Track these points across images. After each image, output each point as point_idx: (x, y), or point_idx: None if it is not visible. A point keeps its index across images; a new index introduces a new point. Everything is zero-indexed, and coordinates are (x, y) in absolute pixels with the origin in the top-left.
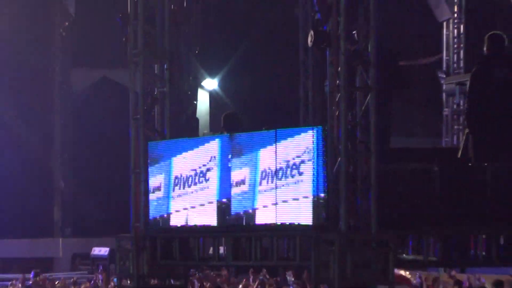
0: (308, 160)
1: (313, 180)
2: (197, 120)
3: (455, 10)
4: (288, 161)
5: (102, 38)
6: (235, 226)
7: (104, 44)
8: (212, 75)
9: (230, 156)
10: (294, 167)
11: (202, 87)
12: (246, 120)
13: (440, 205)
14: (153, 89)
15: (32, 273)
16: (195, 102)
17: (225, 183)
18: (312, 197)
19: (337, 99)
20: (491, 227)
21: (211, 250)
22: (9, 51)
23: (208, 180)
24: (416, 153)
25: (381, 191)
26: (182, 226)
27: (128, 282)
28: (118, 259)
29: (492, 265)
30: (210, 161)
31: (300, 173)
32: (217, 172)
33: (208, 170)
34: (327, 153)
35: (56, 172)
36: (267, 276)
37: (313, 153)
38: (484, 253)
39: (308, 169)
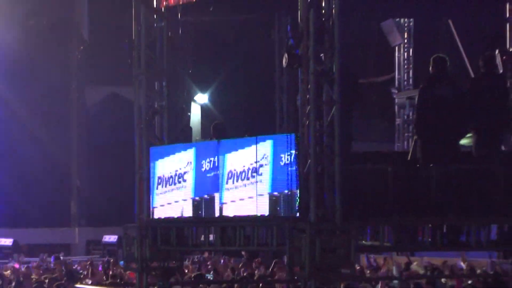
0: (265, 164)
1: (270, 180)
2: (190, 128)
3: (405, 36)
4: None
5: (111, 60)
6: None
7: (113, 65)
8: (203, 90)
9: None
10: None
11: (194, 101)
12: (231, 129)
13: (394, 199)
14: (153, 103)
15: (52, 257)
16: (189, 114)
17: (199, 184)
18: (268, 194)
19: (307, 111)
20: (436, 217)
21: (202, 237)
22: (34, 70)
23: (185, 181)
24: (373, 156)
25: (344, 188)
26: (178, 218)
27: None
28: (125, 245)
29: (437, 249)
30: (186, 165)
31: (260, 174)
32: (192, 174)
33: (185, 173)
34: (299, 155)
35: (73, 173)
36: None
37: (270, 158)
38: (430, 239)
39: (266, 171)
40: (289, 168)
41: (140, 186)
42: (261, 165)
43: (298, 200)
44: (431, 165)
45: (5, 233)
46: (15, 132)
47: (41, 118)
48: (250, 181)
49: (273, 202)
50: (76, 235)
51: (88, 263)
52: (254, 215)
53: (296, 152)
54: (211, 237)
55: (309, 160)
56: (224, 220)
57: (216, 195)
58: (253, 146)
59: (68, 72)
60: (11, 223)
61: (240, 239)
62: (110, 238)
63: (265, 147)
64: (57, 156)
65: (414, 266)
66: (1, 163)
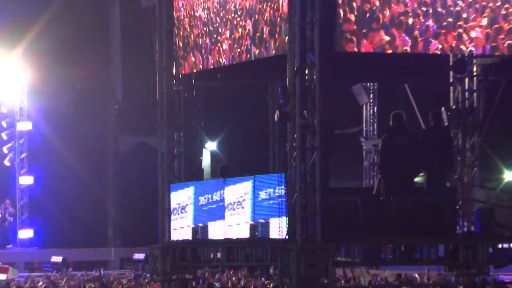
0: (248, 199)
1: (251, 211)
2: (202, 169)
3: (371, 97)
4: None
5: (140, 115)
6: (225, 239)
7: (142, 119)
8: (212, 139)
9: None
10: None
11: (205, 148)
12: (235, 170)
13: (362, 225)
14: (173, 149)
15: (94, 271)
16: (201, 158)
17: (197, 215)
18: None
19: (294, 156)
20: (396, 239)
21: (211, 255)
22: (79, 122)
23: (186, 211)
24: (346, 191)
25: (323, 216)
26: (192, 240)
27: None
28: (151, 261)
29: (396, 264)
30: (188, 199)
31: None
32: (192, 207)
33: (186, 205)
34: (288, 190)
35: (109, 204)
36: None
37: (250, 193)
38: (390, 256)
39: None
40: (264, 203)
41: (162, 214)
42: (244, 200)
43: (287, 225)
44: (392, 198)
45: (56, 252)
46: (62, 171)
47: (83, 161)
48: (236, 211)
49: (252, 228)
50: (112, 253)
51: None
52: (253, 237)
53: (285, 188)
54: (219, 255)
55: (296, 194)
56: (229, 241)
57: (210, 224)
58: (237, 184)
59: (105, 125)
60: (61, 244)
61: (242, 256)
62: (139, 255)
63: (246, 186)
64: (96, 191)
65: (386, 273)
66: (51, 196)
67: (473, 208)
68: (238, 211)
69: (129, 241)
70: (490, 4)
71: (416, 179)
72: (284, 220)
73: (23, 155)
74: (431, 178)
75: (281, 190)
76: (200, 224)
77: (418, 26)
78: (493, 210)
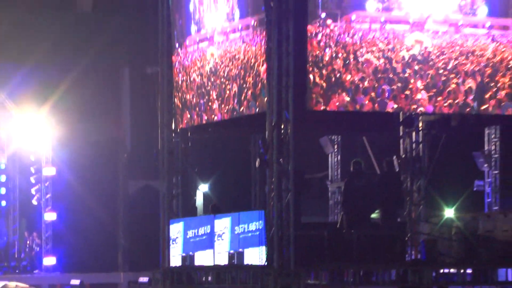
0: (225, 233)
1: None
2: (196, 207)
3: (335, 147)
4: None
5: (146, 162)
6: (215, 265)
7: (147, 166)
8: (204, 182)
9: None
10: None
11: (199, 189)
12: (223, 207)
13: (328, 253)
14: (172, 191)
15: None
16: (195, 198)
17: (186, 245)
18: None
19: (272, 196)
20: (356, 265)
21: (203, 278)
22: (93, 168)
23: (177, 243)
24: (315, 225)
25: (296, 246)
26: (187, 266)
27: None
28: (153, 284)
29: (356, 286)
30: (177, 233)
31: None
32: (181, 239)
33: (176, 238)
34: (266, 224)
35: (119, 235)
36: None
37: (229, 228)
38: (352, 279)
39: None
40: (240, 236)
41: (163, 244)
42: (223, 233)
43: (266, 253)
44: (352, 231)
45: (75, 276)
46: (81, 209)
47: (98, 200)
48: (217, 242)
49: (230, 256)
50: (121, 277)
51: None
52: (239, 264)
53: (265, 222)
54: (210, 278)
55: (273, 228)
56: (219, 267)
57: (199, 253)
58: (217, 221)
59: (117, 171)
60: (79, 269)
61: (229, 279)
62: (144, 279)
63: (225, 222)
64: (108, 225)
65: None
66: (71, 229)
67: (420, 239)
68: (219, 242)
69: (135, 267)
70: (432, 72)
71: (373, 215)
72: (263, 249)
73: (48, 196)
74: (385, 214)
75: (260, 224)
76: (190, 253)
77: (374, 89)
78: (436, 241)
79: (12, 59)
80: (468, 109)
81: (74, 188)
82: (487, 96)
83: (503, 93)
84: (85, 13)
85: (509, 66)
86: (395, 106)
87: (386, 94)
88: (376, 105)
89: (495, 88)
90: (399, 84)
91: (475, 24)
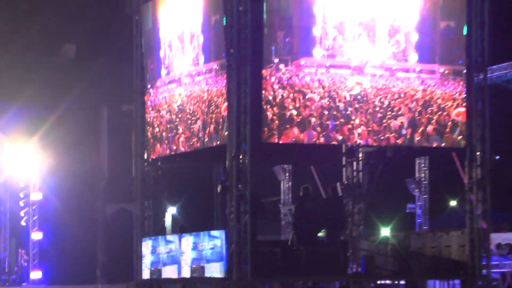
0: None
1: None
2: (165, 228)
3: (287, 175)
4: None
5: (121, 188)
6: (182, 278)
7: (122, 191)
8: (172, 205)
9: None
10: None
11: (168, 212)
12: (189, 227)
13: (280, 267)
14: (144, 213)
15: None
16: (164, 219)
17: (155, 261)
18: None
19: (232, 217)
20: (304, 278)
21: None
22: (77, 195)
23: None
24: (269, 243)
25: (253, 261)
26: (157, 278)
27: None
28: None
29: None
30: (146, 250)
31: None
32: (150, 255)
33: (145, 255)
34: (227, 243)
35: (98, 251)
36: None
37: (191, 245)
38: None
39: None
40: (203, 252)
41: (136, 260)
42: (188, 250)
43: (226, 267)
44: (301, 247)
45: None
46: (64, 229)
47: (79, 222)
48: (182, 257)
49: (193, 270)
50: None
51: None
52: (202, 277)
53: (226, 240)
54: None
55: (233, 245)
56: (185, 279)
57: (163, 268)
58: (183, 239)
59: (96, 195)
60: (62, 282)
61: None
62: None
63: (190, 240)
64: (88, 243)
65: None
66: (55, 247)
67: (360, 255)
68: (184, 257)
69: (112, 279)
70: (370, 110)
71: (319, 234)
72: (223, 264)
73: (35, 217)
74: (330, 233)
75: (221, 242)
76: (158, 267)
77: (320, 124)
78: (374, 256)
79: (4, 98)
80: (401, 142)
81: (58, 211)
82: (417, 130)
83: (430, 128)
84: (69, 59)
85: (435, 105)
86: (339, 138)
87: (331, 128)
88: (322, 138)
89: (424, 124)
90: (342, 120)
91: (407, 68)
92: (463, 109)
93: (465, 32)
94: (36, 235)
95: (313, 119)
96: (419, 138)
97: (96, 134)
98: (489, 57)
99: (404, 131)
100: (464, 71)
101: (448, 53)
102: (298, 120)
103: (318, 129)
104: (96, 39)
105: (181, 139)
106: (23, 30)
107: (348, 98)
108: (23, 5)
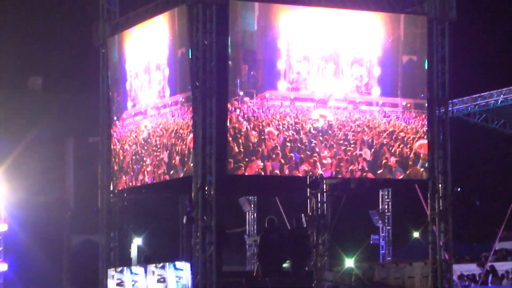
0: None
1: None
2: (131, 259)
3: (252, 206)
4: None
5: (86, 219)
6: None
7: (88, 222)
8: (138, 236)
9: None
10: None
11: (133, 243)
12: (154, 258)
13: None
14: (110, 244)
15: None
16: (130, 250)
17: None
18: None
19: (197, 248)
20: None
21: None
22: (42, 226)
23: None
24: (234, 273)
25: None
26: None
27: None
28: None
29: None
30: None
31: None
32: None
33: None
34: (193, 273)
35: (64, 282)
36: None
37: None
38: None
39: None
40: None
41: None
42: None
43: None
44: (266, 278)
45: None
46: (29, 260)
47: (45, 252)
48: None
49: None
50: None
51: None
52: None
53: (192, 271)
54: None
55: (198, 275)
56: None
57: None
58: (148, 269)
59: (61, 226)
60: None
61: None
62: None
63: (156, 271)
64: (54, 273)
65: None
66: (21, 278)
67: (325, 285)
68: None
69: None
70: (334, 142)
71: (284, 265)
72: None
73: (0, 249)
74: (294, 264)
75: (187, 273)
76: None
77: (284, 156)
78: (338, 287)
79: None
80: (364, 174)
81: (24, 242)
82: (380, 162)
83: (393, 160)
84: (35, 91)
85: (398, 137)
86: (303, 170)
87: (294, 160)
88: (286, 170)
89: (387, 156)
90: (307, 152)
91: (370, 102)
92: (425, 142)
93: (426, 66)
94: (1, 266)
95: (277, 151)
96: (382, 170)
97: (62, 165)
98: (450, 91)
99: (366, 163)
100: (426, 105)
101: (410, 87)
102: (263, 152)
103: (282, 161)
104: (62, 71)
105: (147, 170)
106: None
107: (312, 131)
108: None
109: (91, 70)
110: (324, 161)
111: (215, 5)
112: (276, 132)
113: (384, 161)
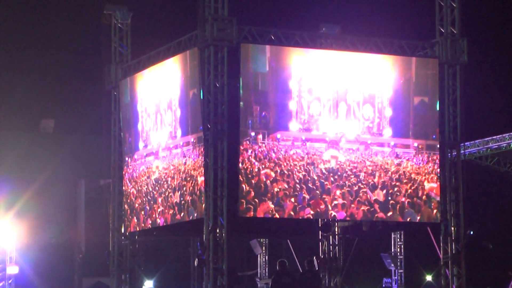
0: None
1: None
2: None
3: (264, 248)
4: None
5: (98, 262)
6: None
7: (99, 265)
8: (149, 279)
9: None
10: None
11: (144, 285)
12: None
13: None
14: (121, 287)
15: None
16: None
17: None
18: None
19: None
20: None
21: None
22: (53, 268)
23: None
24: None
25: None
26: None
27: None
28: None
29: None
30: None
31: None
32: None
33: None
34: None
35: None
36: None
37: None
38: None
39: None
40: None
41: None
42: None
43: None
44: None
45: None
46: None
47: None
48: None
49: None
50: None
51: None
52: None
53: None
54: None
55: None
56: None
57: None
58: None
59: (72, 269)
60: None
61: None
62: None
63: None
64: None
65: None
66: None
67: None
68: None
69: None
70: (347, 184)
71: None
72: None
73: None
74: None
75: None
76: None
77: (296, 197)
78: None
79: None
80: (376, 215)
81: (35, 284)
82: (392, 204)
83: (405, 201)
84: (47, 134)
85: (410, 178)
86: (314, 213)
87: (307, 202)
88: (298, 211)
89: (398, 198)
90: (317, 193)
91: (382, 143)
92: (437, 184)
93: (438, 107)
94: None
95: (288, 192)
96: (393, 212)
97: (73, 207)
98: (462, 134)
99: (378, 205)
100: (438, 146)
101: (421, 128)
102: (274, 193)
103: (295, 202)
104: (74, 113)
105: (159, 211)
106: (1, 105)
107: (324, 172)
108: (1, 79)
109: (102, 112)
110: (336, 202)
111: (226, 48)
112: (286, 173)
113: (395, 203)
